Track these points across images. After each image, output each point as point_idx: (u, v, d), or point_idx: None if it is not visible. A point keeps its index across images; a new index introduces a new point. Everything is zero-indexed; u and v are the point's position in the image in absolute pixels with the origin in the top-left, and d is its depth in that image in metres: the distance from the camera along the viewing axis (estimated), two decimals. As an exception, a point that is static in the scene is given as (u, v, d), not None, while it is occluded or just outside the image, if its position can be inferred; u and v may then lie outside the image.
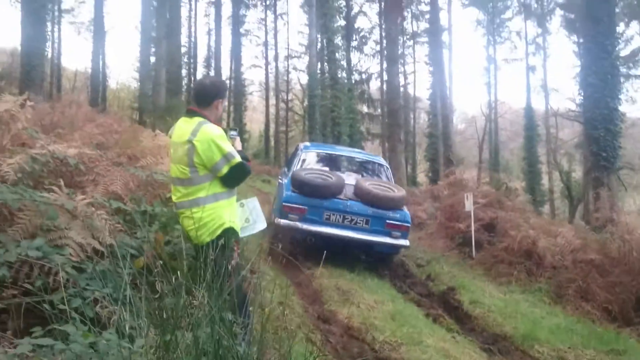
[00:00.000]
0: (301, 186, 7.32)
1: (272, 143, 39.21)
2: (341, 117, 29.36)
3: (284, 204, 7.35)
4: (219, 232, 3.22)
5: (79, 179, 4.51)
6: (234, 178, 3.32)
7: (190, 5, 38.40)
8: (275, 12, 41.75)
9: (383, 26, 27.05)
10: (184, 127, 3.31)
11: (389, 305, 5.86)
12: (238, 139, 3.61)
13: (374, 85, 40.13)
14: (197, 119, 3.28)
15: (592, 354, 5.04)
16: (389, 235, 7.37)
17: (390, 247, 7.53)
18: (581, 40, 11.08)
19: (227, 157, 3.22)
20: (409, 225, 7.56)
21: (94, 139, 7.05)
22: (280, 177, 9.49)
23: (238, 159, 3.28)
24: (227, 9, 40.39)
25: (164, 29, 19.44)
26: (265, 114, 41.06)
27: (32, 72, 13.68)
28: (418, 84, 42.31)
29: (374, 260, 7.82)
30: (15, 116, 4.50)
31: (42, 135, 5.13)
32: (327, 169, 8.10)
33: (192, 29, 38.41)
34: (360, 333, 4.96)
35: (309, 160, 8.48)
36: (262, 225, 3.81)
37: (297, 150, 9.07)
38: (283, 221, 7.24)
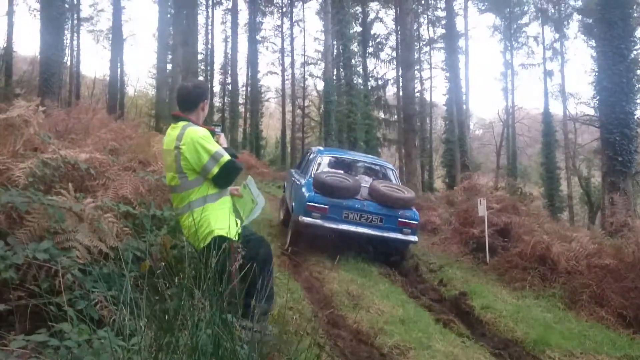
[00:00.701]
0: (323, 187, 7.88)
1: (289, 149, 39.31)
2: (357, 123, 29.35)
3: (308, 203, 7.85)
4: (208, 239, 3.19)
5: (90, 183, 4.58)
6: (225, 177, 3.29)
7: (208, 12, 38.86)
8: (291, 19, 42.02)
9: (399, 32, 26.89)
10: (171, 134, 3.31)
11: (400, 310, 5.83)
12: (222, 135, 3.60)
13: (390, 92, 40.09)
14: (181, 124, 3.30)
15: (605, 359, 4.96)
16: (401, 232, 8.01)
17: (401, 242, 8.13)
18: (596, 45, 10.86)
19: (215, 157, 3.21)
20: (417, 223, 8.20)
21: (107, 145, 7.16)
22: (292, 177, 9.94)
23: (227, 157, 3.26)
24: (243, 16, 40.82)
25: (180, 36, 19.63)
26: (281, 120, 41.24)
27: (50, 80, 13.92)
28: (434, 89, 42.16)
29: (386, 257, 8.35)
30: (28, 121, 4.59)
31: (55, 140, 5.22)
32: (342, 171, 8.58)
33: (209, 36, 38.85)
34: (369, 337, 4.94)
35: (325, 163, 9.01)
36: (262, 200, 3.82)
37: (312, 154, 9.62)
38: (307, 219, 7.79)
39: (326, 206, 7.82)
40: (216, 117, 38.88)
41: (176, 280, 2.66)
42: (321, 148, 10.82)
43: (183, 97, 3.43)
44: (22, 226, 3.14)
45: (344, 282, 6.65)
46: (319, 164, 8.91)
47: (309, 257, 7.84)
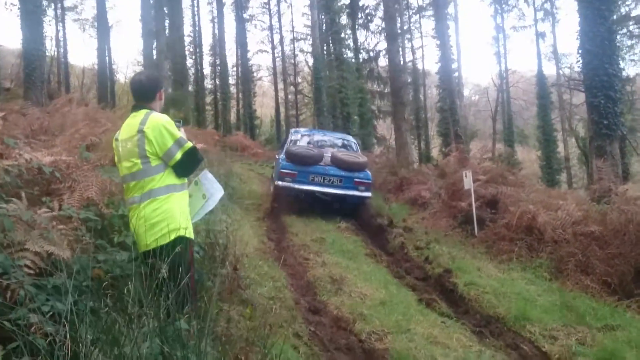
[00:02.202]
0: (293, 157, 10.02)
1: (284, 127, 39.12)
2: (349, 97, 29.12)
3: (281, 170, 9.98)
4: (171, 237, 3.05)
5: (55, 186, 4.52)
6: (187, 164, 3.26)
7: (193, -6, 38.25)
8: (278, -6, 41.39)
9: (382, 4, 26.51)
10: (132, 122, 3.26)
11: (382, 292, 5.82)
12: (183, 129, 3.54)
13: (383, 63, 39.61)
14: (143, 111, 3.26)
15: (585, 331, 4.95)
16: (357, 189, 9.97)
17: (358, 198, 10.08)
18: (578, 7, 10.61)
19: (179, 141, 3.19)
20: (370, 182, 10.16)
21: (85, 141, 7.09)
22: (277, 155, 12.10)
23: (190, 143, 3.26)
24: (229, -5, 40.24)
25: (163, 21, 19.33)
26: (274, 98, 40.97)
27: (33, 74, 13.74)
28: (426, 58, 41.73)
29: (348, 211, 10.20)
30: (-12, 129, 4.52)
31: (22, 144, 5.15)
32: (310, 145, 10.82)
33: (196, 18, 38.24)
34: (348, 324, 4.93)
35: (297, 140, 11.22)
36: (219, 193, 3.74)
37: (289, 134, 12.01)
38: (281, 183, 9.93)
39: (295, 172, 9.85)
40: (208, 99, 38.59)
41: (125, 290, 2.63)
42: (298, 129, 13.46)
43: (138, 90, 3.40)
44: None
45: (327, 266, 6.64)
46: (293, 141, 11.06)
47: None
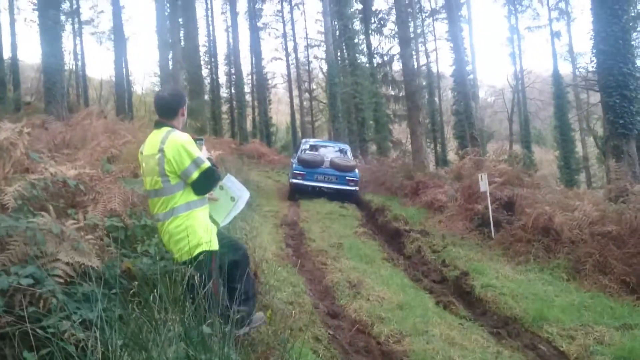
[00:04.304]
0: (303, 162, 13.96)
1: (300, 134, 39.32)
2: (364, 102, 29.21)
3: (294, 172, 13.99)
4: (195, 252, 3.18)
5: (80, 199, 4.67)
6: (204, 183, 3.33)
7: (207, 4, 38.67)
8: (290, 2, 41.68)
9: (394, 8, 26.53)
10: (154, 139, 3.37)
11: (400, 295, 5.89)
12: (204, 147, 3.67)
13: (397, 67, 39.59)
14: (165, 129, 3.36)
15: (603, 330, 4.96)
16: (348, 185, 13.79)
17: (349, 191, 13.77)
18: (591, 7, 10.58)
19: (196, 162, 3.26)
20: (357, 179, 14.00)
21: (106, 153, 7.29)
22: (292, 160, 15.72)
23: (208, 163, 3.33)
24: (244, 4, 40.62)
25: (178, 32, 19.60)
26: (290, 105, 41.19)
27: (53, 89, 14.03)
28: (441, 61, 41.63)
29: (343, 199, 13.50)
30: (14, 143, 4.70)
31: (46, 157, 5.33)
32: (316, 152, 14.67)
33: (210, 28, 38.66)
34: (366, 327, 5.02)
35: (306, 148, 15.03)
36: (246, 194, 3.92)
37: (300, 144, 15.97)
38: (295, 180, 13.92)
39: (304, 172, 13.80)
40: (224, 107, 38.90)
41: (151, 297, 2.76)
42: (307, 139, 17.51)
43: (162, 107, 3.50)
44: (2, 250, 3.23)
45: (345, 270, 6.72)
46: (303, 150, 14.88)
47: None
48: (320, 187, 13.81)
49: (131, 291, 3.06)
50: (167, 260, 3.58)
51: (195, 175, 3.26)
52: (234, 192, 3.86)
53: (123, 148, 7.98)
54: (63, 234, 3.45)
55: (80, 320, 2.96)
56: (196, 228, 3.29)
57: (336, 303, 5.73)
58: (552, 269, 7.13)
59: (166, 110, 3.48)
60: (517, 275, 6.88)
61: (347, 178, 13.69)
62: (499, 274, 6.77)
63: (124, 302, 2.84)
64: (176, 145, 3.23)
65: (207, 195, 3.59)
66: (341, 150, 15.27)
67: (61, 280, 3.10)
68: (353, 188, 13.69)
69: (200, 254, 3.18)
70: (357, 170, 14.25)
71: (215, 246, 3.39)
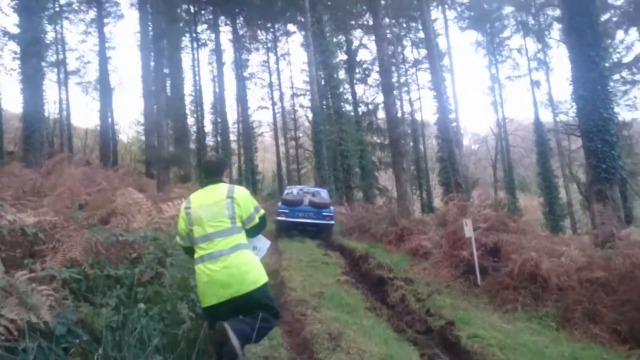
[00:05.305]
0: (286, 202, 15.92)
1: (286, 181, 39.25)
2: (349, 149, 29.33)
3: (279, 210, 15.76)
4: (261, 283, 3.78)
5: (39, 248, 4.41)
6: (261, 226, 4.06)
7: (194, 55, 39.09)
8: (276, 53, 42.37)
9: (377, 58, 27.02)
10: (215, 191, 3.95)
11: (382, 348, 5.57)
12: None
13: (382, 115, 40.08)
14: (222, 183, 4.03)
15: (596, 385, 4.71)
16: (324, 219, 15.66)
17: (326, 224, 15.71)
18: (568, 54, 10.73)
19: (257, 209, 4.02)
20: (332, 214, 16.18)
21: (75, 200, 7.02)
22: (279, 203, 16.98)
23: (263, 211, 4.09)
24: (230, 55, 41.20)
25: (163, 80, 19.68)
26: (276, 153, 41.29)
27: (32, 137, 13.87)
28: (425, 109, 42.27)
29: (321, 234, 15.68)
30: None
31: (7, 206, 5.07)
32: (296, 194, 16.75)
33: (197, 78, 38.91)
34: (346, 383, 4.70)
35: (289, 192, 17.17)
36: (267, 244, 4.41)
37: (285, 189, 19.24)
38: (280, 217, 15.56)
39: (287, 210, 15.63)
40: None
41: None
42: (290, 186, 20.94)
43: (213, 168, 4.13)
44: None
45: (325, 321, 6.40)
46: (286, 193, 17.14)
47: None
48: (301, 223, 15.52)
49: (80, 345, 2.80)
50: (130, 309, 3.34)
51: (256, 219, 3.98)
52: (256, 242, 4.27)
53: (98, 195, 7.74)
54: (11, 287, 3.18)
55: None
56: (258, 263, 3.91)
57: (314, 357, 5.39)
58: (541, 317, 6.88)
59: (216, 171, 4.10)
60: (505, 324, 6.61)
61: (323, 214, 15.68)
62: (485, 324, 6.50)
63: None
64: (243, 195, 3.95)
65: None
66: (318, 192, 17.49)
67: (2, 337, 2.82)
68: (329, 222, 15.73)
69: (265, 284, 3.85)
70: (332, 207, 16.46)
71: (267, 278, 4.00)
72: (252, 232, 3.99)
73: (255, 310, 3.66)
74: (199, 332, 3.83)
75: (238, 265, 3.70)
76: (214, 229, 3.78)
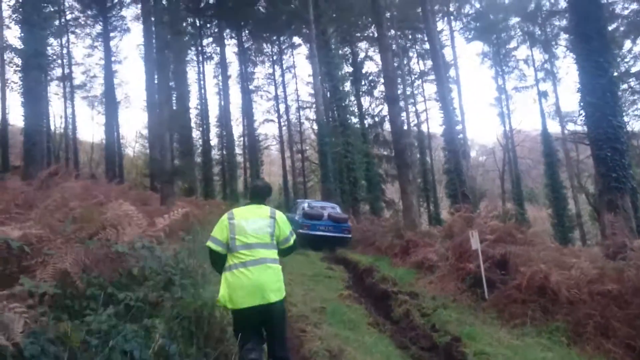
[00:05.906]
0: (307, 215, 16.89)
1: (292, 194, 39.06)
2: (355, 162, 29.09)
3: (301, 223, 16.35)
4: (284, 295, 4.16)
5: (26, 263, 4.21)
6: (293, 248, 4.46)
7: (199, 68, 39.16)
8: (282, 66, 42.39)
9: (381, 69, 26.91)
10: (259, 210, 4.34)
11: (384, 365, 5.35)
12: None
13: (388, 127, 39.84)
14: (265, 206, 4.41)
15: (610, 405, 4.44)
16: (343, 233, 16.91)
17: (344, 238, 16.82)
18: (576, 61, 10.50)
19: (292, 232, 4.41)
20: (349, 228, 17.47)
21: (66, 212, 6.80)
22: (295, 217, 17.49)
23: (295, 235, 4.48)
24: (236, 68, 41.28)
25: (166, 93, 19.62)
26: (282, 166, 41.16)
27: (32, 150, 13.76)
28: (431, 121, 42.06)
29: (339, 246, 16.37)
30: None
31: (-7, 218, 4.88)
32: (315, 209, 17.67)
33: (203, 91, 38.92)
34: (344, 403, 4.46)
35: (305, 206, 18.03)
36: None
37: (298, 204, 19.56)
38: (301, 230, 15.69)
39: (309, 224, 16.58)
40: (216, 169, 38.68)
41: None
42: (303, 200, 22.32)
43: (260, 191, 4.55)
44: None
45: (326, 338, 6.16)
46: (303, 207, 17.98)
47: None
48: (322, 236, 16.33)
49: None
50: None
51: (291, 240, 4.38)
52: None
53: (88, 207, 7.52)
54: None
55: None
56: (283, 278, 4.22)
57: (313, 375, 5.16)
58: (551, 332, 6.62)
59: (262, 194, 4.53)
60: (513, 340, 6.34)
61: (342, 227, 16.99)
62: (493, 339, 6.24)
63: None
64: (284, 218, 4.37)
65: None
66: (333, 207, 18.67)
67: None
68: (347, 235, 16.97)
69: (284, 298, 4.21)
70: (349, 222, 17.89)
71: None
72: (284, 252, 4.38)
73: (274, 321, 4.07)
74: None
75: (276, 273, 4.10)
76: (257, 240, 4.16)
